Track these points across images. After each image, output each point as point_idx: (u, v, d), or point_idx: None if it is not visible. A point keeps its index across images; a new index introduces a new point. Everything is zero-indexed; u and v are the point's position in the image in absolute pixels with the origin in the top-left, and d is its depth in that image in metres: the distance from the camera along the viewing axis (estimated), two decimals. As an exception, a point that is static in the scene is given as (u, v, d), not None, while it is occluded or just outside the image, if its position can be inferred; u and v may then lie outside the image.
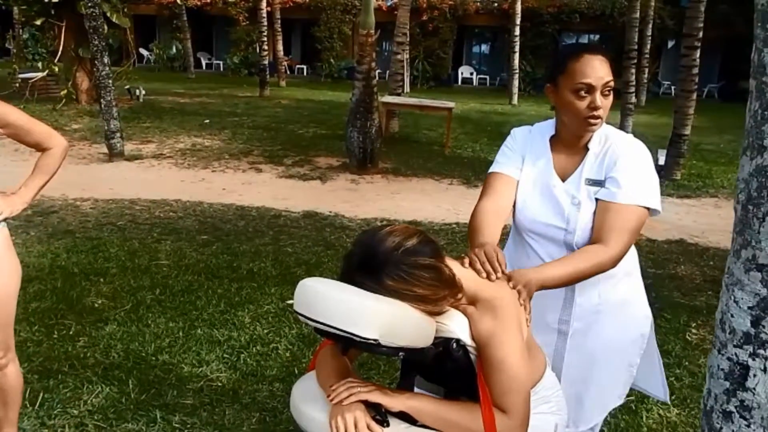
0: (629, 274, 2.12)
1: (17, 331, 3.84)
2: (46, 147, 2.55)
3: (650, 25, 18.34)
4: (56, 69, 14.91)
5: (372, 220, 6.63)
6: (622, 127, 11.64)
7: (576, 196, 1.98)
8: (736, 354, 1.26)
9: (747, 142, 1.24)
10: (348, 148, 9.21)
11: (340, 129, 11.54)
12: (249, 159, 9.83)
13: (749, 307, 1.23)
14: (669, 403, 3.07)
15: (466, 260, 1.68)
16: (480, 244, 1.78)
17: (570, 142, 2.03)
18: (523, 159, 2.10)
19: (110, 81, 9.48)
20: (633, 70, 12.16)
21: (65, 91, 14.46)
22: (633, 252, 2.11)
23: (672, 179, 9.40)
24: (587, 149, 2.00)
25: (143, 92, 16.42)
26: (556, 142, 2.07)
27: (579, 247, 1.96)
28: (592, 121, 1.91)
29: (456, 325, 1.55)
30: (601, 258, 1.84)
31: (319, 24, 27.40)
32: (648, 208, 1.92)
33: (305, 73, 29.07)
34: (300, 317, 1.47)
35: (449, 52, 27.93)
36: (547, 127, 2.11)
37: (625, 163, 1.93)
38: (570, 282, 1.86)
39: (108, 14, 14.34)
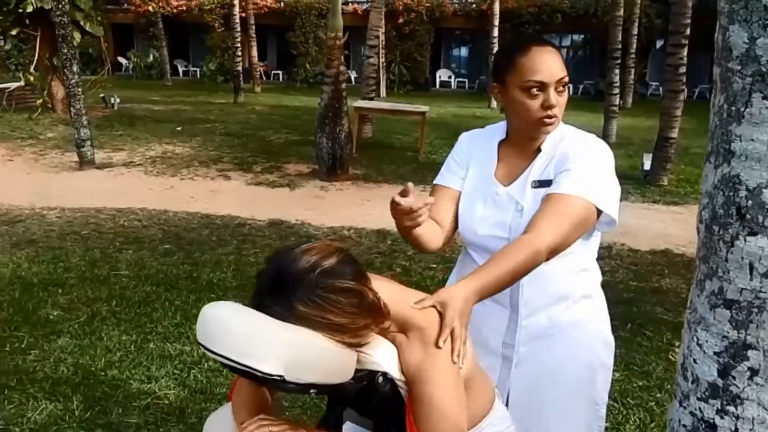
0: (588, 297, 1.88)
1: (-31, 343, 3.82)
2: None
3: (636, 24, 18.06)
4: (32, 78, 14.83)
5: (339, 228, 6.62)
6: (605, 130, 11.56)
7: (519, 201, 1.79)
8: (700, 409, 1.04)
9: (711, 146, 1.02)
10: (317, 154, 9.18)
11: (311, 135, 11.49)
12: (218, 166, 9.81)
13: (716, 353, 1.00)
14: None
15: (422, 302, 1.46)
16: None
17: (522, 145, 1.83)
18: (468, 167, 1.92)
19: (80, 89, 9.42)
20: (617, 71, 11.94)
21: (41, 101, 14.39)
22: (595, 273, 1.91)
23: (658, 185, 9.06)
24: (539, 151, 1.80)
25: (118, 100, 16.35)
26: (506, 145, 1.88)
27: None
28: (547, 121, 1.72)
29: (382, 356, 1.38)
30: (531, 246, 1.59)
31: (294, 29, 27.38)
32: (597, 210, 1.70)
33: (281, 79, 29.02)
34: (201, 348, 1.30)
35: (426, 56, 27.71)
36: (499, 130, 1.91)
37: (575, 156, 1.74)
38: (508, 284, 1.62)
39: (81, 23, 14.28)
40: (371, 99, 12.70)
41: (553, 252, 1.63)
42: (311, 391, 1.31)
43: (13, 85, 15.20)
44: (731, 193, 0.97)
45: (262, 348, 1.23)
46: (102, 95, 16.23)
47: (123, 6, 28.65)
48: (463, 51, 30.87)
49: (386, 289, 1.42)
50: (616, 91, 11.94)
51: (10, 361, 3.64)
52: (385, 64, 23.29)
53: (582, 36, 26.97)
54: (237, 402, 1.52)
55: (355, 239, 6.24)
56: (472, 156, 1.93)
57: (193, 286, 4.83)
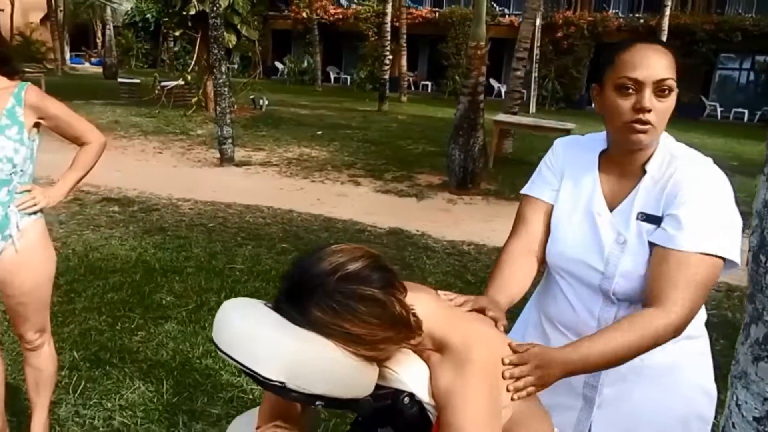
0: (688, 337, 1.62)
1: (86, 318, 4.06)
2: (85, 141, 2.63)
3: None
4: (189, 78, 15.84)
5: (458, 243, 6.44)
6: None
7: (622, 233, 1.57)
8: None
9: (767, 153, 0.86)
10: (448, 166, 9.02)
11: (449, 147, 11.44)
12: (350, 171, 9.90)
13: (755, 418, 0.81)
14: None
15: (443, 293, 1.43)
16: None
17: (623, 162, 1.61)
18: (562, 178, 1.73)
19: (226, 89, 9.88)
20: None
21: (195, 99, 15.33)
22: (699, 312, 1.64)
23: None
24: (644, 172, 1.57)
25: (266, 102, 17.08)
26: (607, 159, 1.66)
27: (618, 297, 1.58)
28: (638, 126, 1.49)
29: (410, 375, 1.27)
30: (657, 326, 1.42)
31: (446, 40, 27.33)
32: (722, 259, 1.48)
33: (430, 90, 29.13)
34: (214, 346, 1.27)
35: (584, 72, 26.35)
36: (599, 140, 1.70)
37: (689, 195, 1.49)
38: (616, 363, 1.44)
39: (238, 26, 15.05)
40: (514, 113, 12.36)
41: (679, 331, 1.46)
42: (317, 403, 1.21)
43: (173, 83, 16.33)
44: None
45: (264, 351, 1.16)
46: (252, 97, 17.02)
47: (283, 13, 29.99)
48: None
49: (426, 304, 1.32)
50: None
51: (118, 340, 3.81)
52: (538, 79, 22.72)
53: (766, 58, 24.66)
54: (263, 406, 1.47)
55: (473, 255, 6.05)
56: (568, 166, 1.73)
57: (301, 285, 4.84)
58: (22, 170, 2.44)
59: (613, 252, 1.58)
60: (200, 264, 5.19)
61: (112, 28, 26.11)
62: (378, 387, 1.26)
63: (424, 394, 1.27)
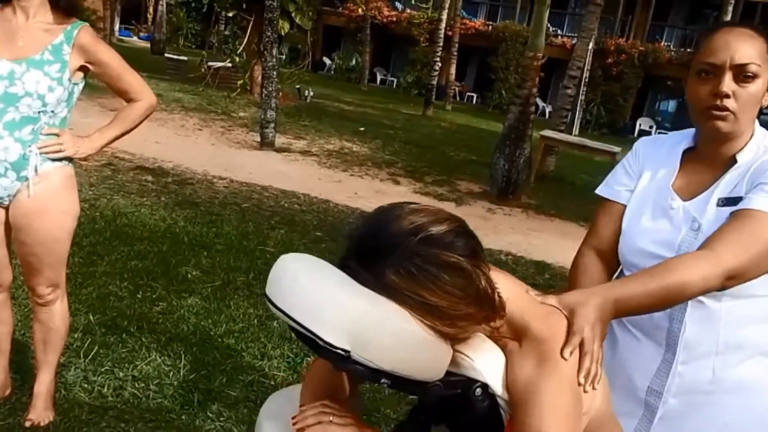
0: (765, 353, 1.48)
1: (107, 283, 3.89)
2: (133, 98, 2.43)
3: None
4: (237, 60, 15.78)
5: (496, 251, 6.19)
6: None
7: (698, 219, 1.47)
8: None
9: None
10: (492, 174, 8.79)
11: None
12: (390, 170, 9.68)
13: None
14: None
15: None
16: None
17: (710, 154, 1.52)
18: (640, 176, 1.63)
19: (275, 73, 9.73)
20: None
21: (241, 82, 15.24)
22: None
23: None
24: (734, 161, 1.47)
25: (312, 94, 16.97)
26: (692, 154, 1.57)
27: None
28: (715, 112, 1.42)
29: (485, 363, 1.11)
30: (702, 266, 1.30)
31: (497, 54, 27.02)
32: None
33: (474, 102, 28.85)
34: (267, 302, 1.10)
35: (630, 101, 26.06)
36: (686, 136, 1.61)
37: None
38: (658, 303, 1.32)
39: (293, 14, 14.96)
40: (560, 131, 12.07)
41: (732, 279, 1.32)
42: (382, 381, 1.04)
43: (219, 64, 16.30)
44: None
45: (330, 314, 1.00)
46: (298, 87, 16.92)
47: (337, 9, 29.94)
48: (671, 104, 28.67)
49: (508, 285, 1.16)
50: None
51: (138, 308, 3.63)
52: (583, 103, 22.35)
53: None
54: (308, 382, 1.30)
55: (510, 265, 5.80)
56: (647, 163, 1.65)
57: (333, 276, 4.63)
58: (53, 111, 2.23)
59: (686, 239, 1.48)
60: (230, 242, 5.01)
61: (164, 4, 26.19)
62: (448, 373, 1.09)
63: (498, 387, 1.11)
